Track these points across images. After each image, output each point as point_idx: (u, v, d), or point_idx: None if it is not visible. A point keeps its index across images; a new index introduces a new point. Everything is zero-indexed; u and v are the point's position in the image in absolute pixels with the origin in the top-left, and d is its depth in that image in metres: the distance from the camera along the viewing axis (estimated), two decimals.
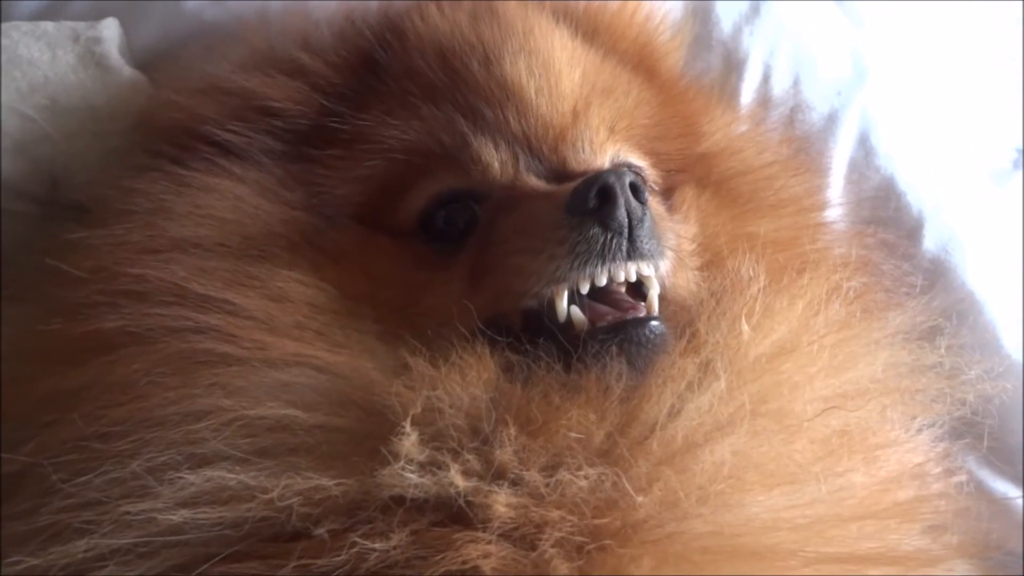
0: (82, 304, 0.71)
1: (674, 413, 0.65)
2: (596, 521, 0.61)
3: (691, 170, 0.86)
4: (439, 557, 0.59)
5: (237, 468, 0.62)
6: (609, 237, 0.68)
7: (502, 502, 0.60)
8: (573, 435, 0.63)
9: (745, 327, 0.72)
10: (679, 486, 0.62)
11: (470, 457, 0.62)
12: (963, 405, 0.79)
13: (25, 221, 0.87)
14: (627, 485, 0.61)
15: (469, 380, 0.65)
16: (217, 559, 0.61)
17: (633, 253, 0.69)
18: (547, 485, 0.61)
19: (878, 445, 0.73)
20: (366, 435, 0.63)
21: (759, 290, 0.75)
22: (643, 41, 0.93)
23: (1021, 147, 1.27)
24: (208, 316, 0.69)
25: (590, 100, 0.80)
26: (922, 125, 1.10)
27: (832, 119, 1.06)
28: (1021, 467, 0.95)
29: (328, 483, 0.61)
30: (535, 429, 0.63)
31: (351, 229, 0.77)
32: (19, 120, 0.85)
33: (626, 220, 0.68)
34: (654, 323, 0.70)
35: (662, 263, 0.72)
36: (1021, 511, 0.94)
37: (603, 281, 0.69)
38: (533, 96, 0.78)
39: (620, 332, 0.68)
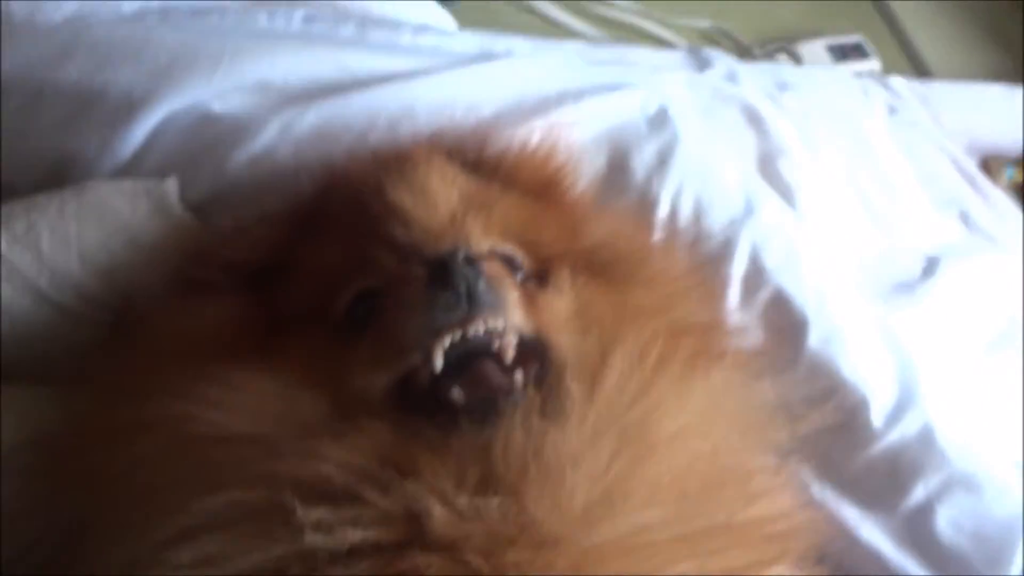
0: (111, 394, 0.90)
1: (534, 450, 0.77)
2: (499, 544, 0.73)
3: (568, 259, 1.02)
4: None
5: (215, 538, 0.74)
6: (451, 295, 0.84)
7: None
8: (449, 476, 0.76)
9: (571, 384, 0.84)
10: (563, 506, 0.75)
11: (362, 512, 0.74)
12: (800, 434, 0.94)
13: (101, 326, 1.10)
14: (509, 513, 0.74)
15: (353, 445, 0.78)
16: None
17: (475, 306, 0.84)
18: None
19: (732, 467, 0.85)
20: (284, 513, 0.75)
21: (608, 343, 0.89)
22: (538, 175, 1.13)
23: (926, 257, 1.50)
24: (187, 405, 0.83)
25: (467, 210, 0.97)
26: (806, 247, 1.34)
27: (727, 244, 1.29)
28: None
29: (275, 551, 0.73)
30: (414, 476, 0.76)
31: (296, 331, 0.94)
32: (107, 254, 1.10)
33: (463, 281, 0.85)
34: (515, 394, 0.83)
35: (509, 314, 0.88)
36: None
37: (458, 335, 0.84)
38: (413, 211, 0.95)
39: (481, 399, 0.83)
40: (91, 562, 0.79)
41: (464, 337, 0.85)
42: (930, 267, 1.50)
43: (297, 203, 1.11)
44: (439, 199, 0.98)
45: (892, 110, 1.80)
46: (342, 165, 1.13)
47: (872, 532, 1.14)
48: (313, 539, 0.73)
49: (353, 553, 0.73)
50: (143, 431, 0.83)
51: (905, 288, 1.43)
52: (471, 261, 0.87)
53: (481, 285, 0.86)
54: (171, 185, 1.19)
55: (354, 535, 0.73)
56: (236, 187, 1.23)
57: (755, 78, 1.72)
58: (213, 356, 0.90)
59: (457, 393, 0.83)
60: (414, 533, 0.74)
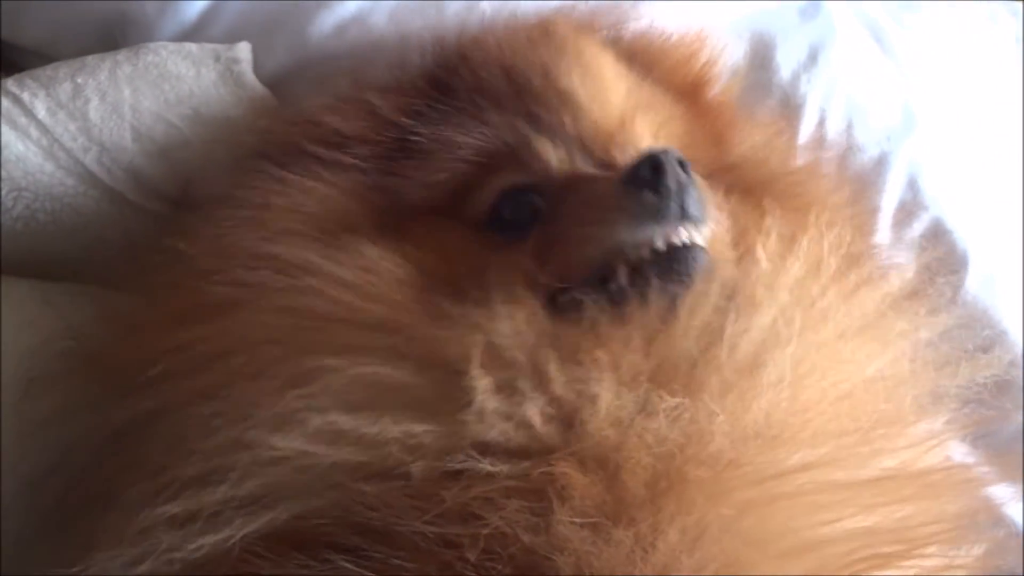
0: (207, 273, 0.78)
1: (718, 334, 0.71)
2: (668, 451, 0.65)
3: (721, 176, 0.93)
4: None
5: (345, 416, 0.68)
6: (661, 201, 0.75)
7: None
8: (622, 361, 0.69)
9: (762, 255, 0.78)
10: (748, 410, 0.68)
11: (535, 395, 0.68)
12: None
13: (155, 218, 0.98)
14: (700, 413, 0.66)
15: (518, 319, 0.72)
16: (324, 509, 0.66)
17: (684, 216, 0.75)
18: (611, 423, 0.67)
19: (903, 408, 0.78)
20: (443, 389, 0.69)
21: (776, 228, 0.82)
22: (686, 74, 1.01)
23: None
24: (309, 279, 0.75)
25: (635, 111, 0.89)
26: (967, 171, 1.18)
27: (882, 161, 1.14)
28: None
29: (418, 429, 0.67)
30: (584, 359, 0.69)
31: (429, 221, 0.85)
32: (165, 127, 0.96)
33: (675, 187, 0.75)
34: (700, 252, 0.76)
35: (708, 229, 0.78)
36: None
37: (660, 243, 0.75)
38: (586, 103, 0.87)
39: (669, 252, 0.75)
40: (166, 453, 0.72)
41: (668, 248, 0.76)
42: None
43: (417, 73, 0.97)
44: (611, 93, 0.89)
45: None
46: (476, 34, 0.99)
47: (1019, 510, 0.99)
48: (475, 426, 0.67)
49: (498, 451, 0.66)
50: (246, 306, 0.76)
51: None
52: (684, 164, 0.78)
53: (694, 193, 0.77)
54: (244, 50, 1.02)
55: (519, 423, 0.67)
56: (319, 59, 1.08)
57: None
58: (329, 234, 0.82)
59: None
60: (567, 436, 0.67)
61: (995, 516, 0.94)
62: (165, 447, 0.72)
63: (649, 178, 0.76)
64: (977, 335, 1.04)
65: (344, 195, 0.86)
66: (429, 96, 0.92)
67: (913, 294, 0.90)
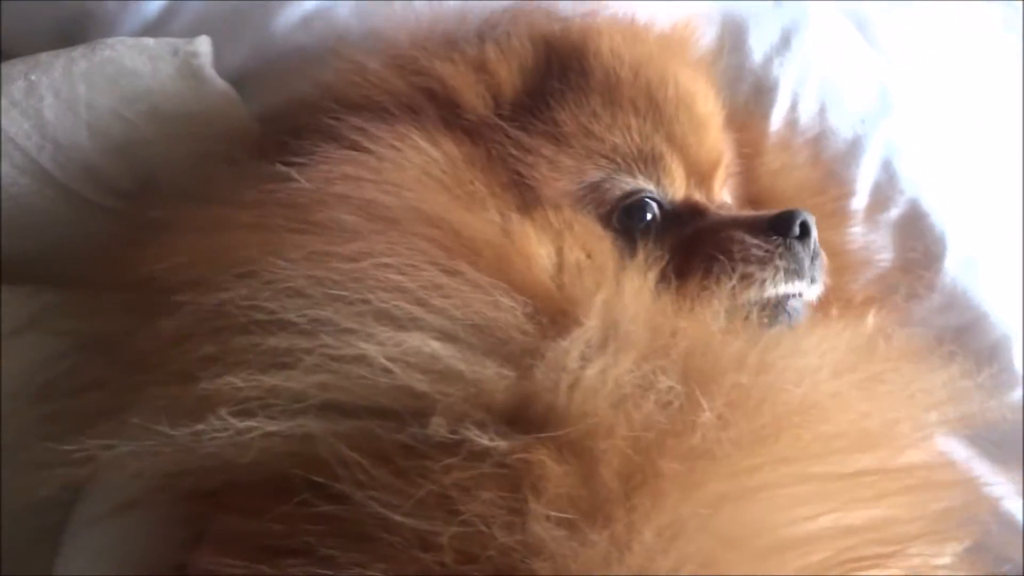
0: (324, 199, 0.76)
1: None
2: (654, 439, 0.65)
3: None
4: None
5: (441, 344, 0.68)
6: (806, 259, 0.84)
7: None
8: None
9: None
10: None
11: (609, 360, 0.68)
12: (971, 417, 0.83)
13: (111, 215, 0.96)
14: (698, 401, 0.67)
15: (642, 298, 0.74)
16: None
17: (813, 278, 0.85)
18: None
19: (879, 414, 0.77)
20: (537, 341, 0.69)
21: None
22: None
23: None
24: (436, 230, 0.75)
25: (725, 146, 0.95)
26: (945, 154, 1.16)
27: (856, 145, 1.12)
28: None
29: (500, 372, 0.67)
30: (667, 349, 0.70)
31: (553, 204, 0.85)
32: (122, 123, 0.94)
33: (813, 252, 0.85)
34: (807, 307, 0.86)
35: (820, 289, 0.88)
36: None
37: (781, 291, 0.84)
38: (712, 132, 0.92)
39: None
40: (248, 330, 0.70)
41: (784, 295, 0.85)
42: None
43: (527, 45, 0.94)
44: (717, 122, 0.95)
45: None
46: (588, 25, 0.98)
47: (1003, 491, 0.99)
48: (540, 378, 0.67)
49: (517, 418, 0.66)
50: (376, 234, 0.74)
51: None
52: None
53: (821, 259, 0.87)
54: (203, 43, 1.00)
55: (572, 384, 0.67)
56: (284, 53, 1.06)
57: None
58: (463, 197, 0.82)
59: None
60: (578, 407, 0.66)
61: (992, 511, 0.95)
62: (249, 322, 0.70)
63: (798, 236, 0.85)
64: (954, 318, 1.06)
65: (463, 162, 0.85)
66: (551, 74, 0.92)
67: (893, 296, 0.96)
